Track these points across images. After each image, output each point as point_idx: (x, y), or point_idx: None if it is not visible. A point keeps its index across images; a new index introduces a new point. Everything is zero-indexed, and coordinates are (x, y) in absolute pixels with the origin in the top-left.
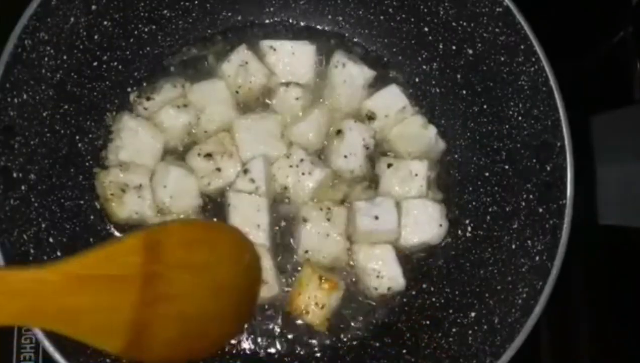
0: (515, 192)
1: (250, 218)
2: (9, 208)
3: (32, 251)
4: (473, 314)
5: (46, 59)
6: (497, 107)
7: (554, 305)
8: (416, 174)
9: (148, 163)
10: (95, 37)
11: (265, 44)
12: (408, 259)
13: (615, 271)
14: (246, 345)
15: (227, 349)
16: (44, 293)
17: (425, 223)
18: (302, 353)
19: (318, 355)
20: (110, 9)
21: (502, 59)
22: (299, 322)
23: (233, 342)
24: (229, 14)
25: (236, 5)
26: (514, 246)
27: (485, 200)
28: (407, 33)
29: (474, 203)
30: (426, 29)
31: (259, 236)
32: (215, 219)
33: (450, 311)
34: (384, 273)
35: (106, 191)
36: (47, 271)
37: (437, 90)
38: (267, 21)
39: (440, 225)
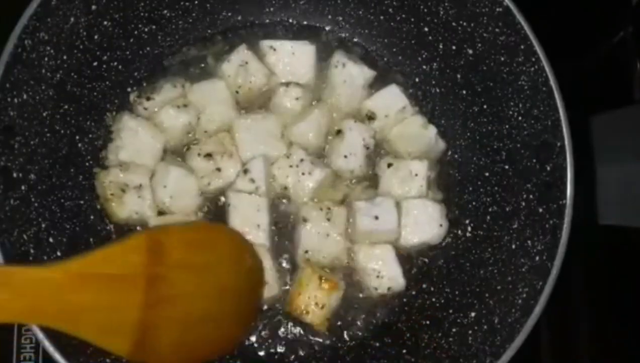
0: (515, 192)
1: (250, 218)
2: (9, 208)
3: (32, 251)
4: (473, 314)
5: (46, 59)
6: (497, 107)
7: (554, 305)
8: (416, 174)
9: (148, 163)
10: (95, 37)
11: (265, 44)
12: (408, 259)
13: (615, 271)
14: (246, 345)
15: None
16: (48, 291)
17: (425, 223)
18: (302, 353)
19: (318, 355)
20: (110, 9)
21: (502, 59)
22: (299, 322)
23: None
24: (229, 14)
25: (236, 5)
26: (514, 246)
27: (485, 200)
28: (407, 33)
29: (474, 203)
30: (426, 29)
31: (259, 236)
32: (215, 220)
33: (450, 311)
34: (384, 273)
35: (106, 191)
36: (51, 269)
37: (437, 90)
38: (267, 21)
39: (440, 225)
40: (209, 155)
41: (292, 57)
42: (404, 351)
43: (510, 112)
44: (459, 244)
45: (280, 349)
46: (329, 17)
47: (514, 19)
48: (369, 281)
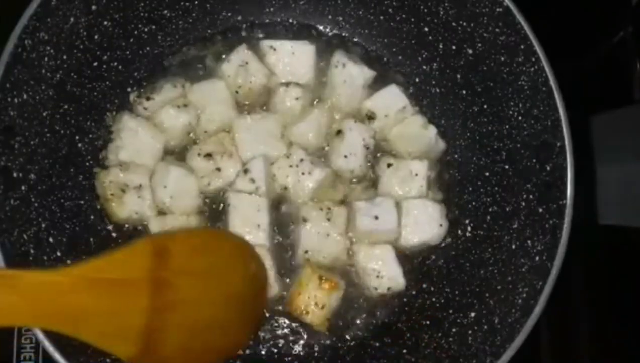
0: (515, 192)
1: (250, 218)
2: (9, 208)
3: (32, 251)
4: (473, 314)
5: (46, 59)
6: (497, 107)
7: (554, 305)
8: (416, 174)
9: (148, 163)
10: (95, 37)
11: (265, 44)
12: (408, 259)
13: (615, 271)
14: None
15: None
16: (55, 294)
17: (425, 223)
18: (302, 353)
19: (318, 355)
20: (110, 9)
21: (502, 59)
22: (299, 322)
23: None
24: (229, 14)
25: (236, 5)
26: (514, 246)
27: (485, 200)
28: (407, 33)
29: (474, 203)
30: (426, 29)
31: (259, 236)
32: (215, 220)
33: (450, 311)
34: (384, 273)
35: (106, 191)
36: (58, 273)
37: (437, 90)
38: (267, 21)
39: (440, 225)
40: (209, 155)
41: (292, 57)
42: (404, 351)
43: (510, 112)
44: (459, 244)
45: (280, 349)
46: (329, 17)
47: (514, 19)
48: (369, 281)
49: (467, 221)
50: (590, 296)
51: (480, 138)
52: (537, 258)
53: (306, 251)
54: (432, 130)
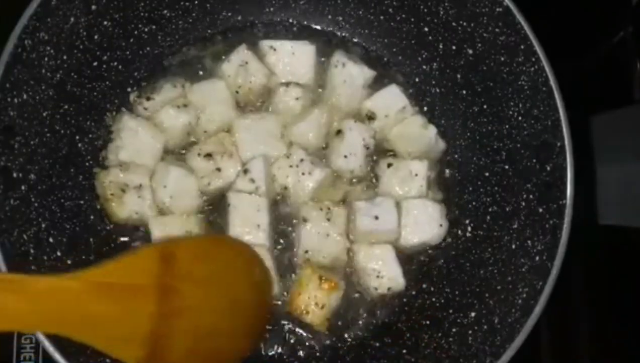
0: (515, 192)
1: (250, 218)
2: (9, 208)
3: (32, 251)
4: (473, 314)
5: (46, 59)
6: (497, 107)
7: (554, 305)
8: (416, 174)
9: (148, 163)
10: (95, 37)
11: (265, 44)
12: (408, 259)
13: (615, 271)
14: None
15: None
16: (65, 300)
17: (425, 223)
18: (302, 353)
19: (318, 355)
20: (110, 9)
21: (502, 59)
22: (299, 322)
23: None
24: (229, 14)
25: (236, 5)
26: (514, 246)
27: (485, 200)
28: (407, 33)
29: (474, 203)
30: (426, 29)
31: (259, 236)
32: (215, 220)
33: (450, 311)
34: (384, 273)
35: (106, 191)
36: (68, 279)
37: (437, 90)
38: (267, 21)
39: (440, 225)
40: (209, 155)
41: (292, 57)
42: (404, 351)
43: (510, 112)
44: (459, 244)
45: (280, 349)
46: (329, 17)
47: (514, 19)
48: (369, 281)
49: (467, 221)
50: (590, 296)
51: (480, 138)
52: (537, 258)
53: (306, 251)
54: (432, 130)
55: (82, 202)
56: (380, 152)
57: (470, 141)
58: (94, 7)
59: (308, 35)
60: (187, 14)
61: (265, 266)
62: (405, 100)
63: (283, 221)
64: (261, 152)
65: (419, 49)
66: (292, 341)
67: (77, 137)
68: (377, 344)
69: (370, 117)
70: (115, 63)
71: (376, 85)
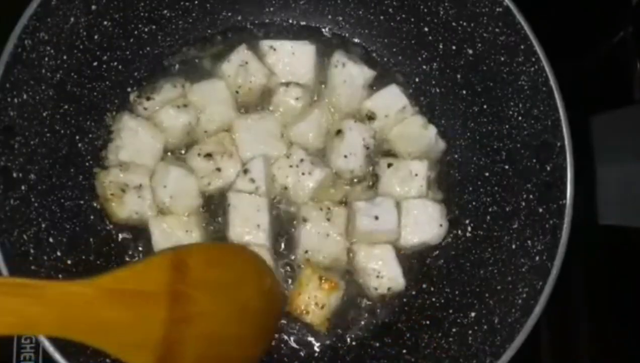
0: (515, 192)
1: (250, 218)
2: (9, 208)
3: (32, 251)
4: (473, 314)
5: (46, 59)
6: (497, 107)
7: (554, 305)
8: (416, 174)
9: (148, 163)
10: (95, 37)
11: (265, 44)
12: (408, 259)
13: (615, 271)
14: None
15: None
16: (79, 305)
17: (425, 223)
18: (302, 353)
19: (318, 355)
20: (110, 9)
21: (502, 59)
22: (299, 322)
23: None
24: (229, 14)
25: (236, 5)
26: (514, 246)
27: (485, 200)
28: (407, 33)
29: (474, 203)
30: (426, 29)
31: (259, 236)
32: (215, 220)
33: (450, 311)
34: (384, 273)
35: (106, 191)
36: (81, 284)
37: (437, 90)
38: (267, 21)
39: (440, 225)
40: (209, 155)
41: (292, 57)
42: (404, 351)
43: (510, 112)
44: (459, 244)
45: (280, 349)
46: (329, 17)
47: (514, 19)
48: (369, 281)
49: (467, 221)
50: (590, 296)
51: (480, 138)
52: (537, 258)
53: (306, 251)
54: (432, 130)
55: (82, 202)
56: (380, 152)
57: (470, 141)
58: (94, 7)
59: (308, 35)
60: (187, 14)
61: (276, 277)
62: (405, 100)
63: (283, 221)
64: (261, 152)
65: (419, 49)
66: (292, 341)
67: (77, 137)
68: (377, 344)
69: (370, 117)
70: (115, 63)
71: (376, 85)
